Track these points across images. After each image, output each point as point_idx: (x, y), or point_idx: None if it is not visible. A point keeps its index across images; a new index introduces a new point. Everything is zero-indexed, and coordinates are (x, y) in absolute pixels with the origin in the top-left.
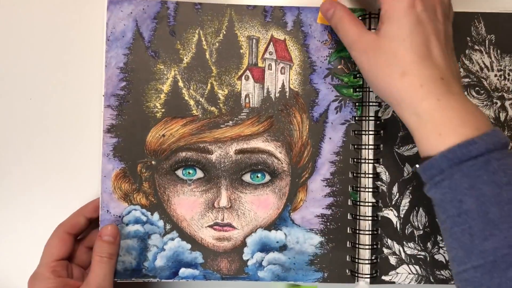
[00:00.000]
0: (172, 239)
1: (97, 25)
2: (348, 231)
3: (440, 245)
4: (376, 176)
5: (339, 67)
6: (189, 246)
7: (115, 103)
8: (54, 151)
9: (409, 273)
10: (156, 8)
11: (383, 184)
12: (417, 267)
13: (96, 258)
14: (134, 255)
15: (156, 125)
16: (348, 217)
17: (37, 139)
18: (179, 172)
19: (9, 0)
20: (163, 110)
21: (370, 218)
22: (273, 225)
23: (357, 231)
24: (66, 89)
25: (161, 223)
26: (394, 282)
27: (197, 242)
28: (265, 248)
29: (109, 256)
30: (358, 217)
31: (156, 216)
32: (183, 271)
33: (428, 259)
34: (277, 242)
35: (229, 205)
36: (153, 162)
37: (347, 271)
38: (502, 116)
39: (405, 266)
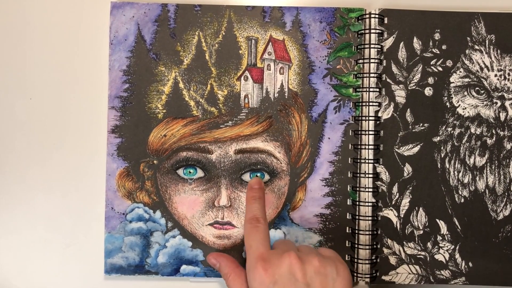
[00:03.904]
0: (174, 236)
1: (101, 29)
2: (347, 231)
3: (440, 245)
4: (376, 176)
5: (338, 67)
6: (190, 243)
7: (119, 104)
8: (59, 151)
9: (409, 273)
10: (157, 11)
11: (383, 184)
12: (417, 267)
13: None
14: (137, 251)
15: (157, 126)
16: (347, 217)
17: (42, 139)
18: (180, 172)
19: (14, 3)
20: (164, 111)
21: (370, 218)
22: (272, 224)
23: (356, 231)
24: (73, 91)
25: (163, 221)
26: (394, 282)
27: (198, 240)
28: None
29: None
30: (357, 217)
31: (158, 214)
32: (184, 268)
33: (428, 259)
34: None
35: (229, 204)
36: (155, 162)
37: None
38: (502, 116)
39: (405, 266)
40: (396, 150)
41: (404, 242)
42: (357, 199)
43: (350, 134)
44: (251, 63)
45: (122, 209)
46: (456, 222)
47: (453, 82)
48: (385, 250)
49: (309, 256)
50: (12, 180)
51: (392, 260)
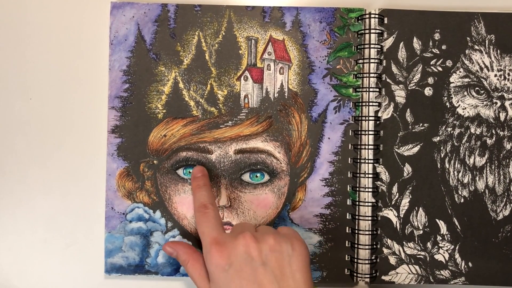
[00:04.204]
0: (174, 236)
1: (101, 29)
2: (347, 231)
3: (440, 245)
4: (376, 176)
5: (337, 67)
6: (190, 243)
7: (119, 104)
8: (59, 151)
9: (409, 273)
10: (157, 11)
11: (383, 184)
12: (417, 267)
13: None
14: (137, 251)
15: (157, 126)
16: (347, 217)
17: (42, 139)
18: (180, 172)
19: (14, 3)
20: (164, 111)
21: (369, 218)
22: (272, 224)
23: (356, 231)
24: (73, 91)
25: (163, 221)
26: (394, 282)
27: (198, 240)
28: None
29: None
30: (357, 217)
31: (158, 214)
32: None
33: (428, 259)
34: None
35: (229, 204)
36: (155, 162)
37: (346, 270)
38: (502, 116)
39: (405, 266)
40: (396, 150)
41: (404, 242)
42: (357, 199)
43: (350, 134)
44: (251, 63)
45: (122, 209)
46: (456, 222)
47: (453, 82)
48: (385, 250)
49: (264, 235)
50: (12, 181)
51: (392, 260)
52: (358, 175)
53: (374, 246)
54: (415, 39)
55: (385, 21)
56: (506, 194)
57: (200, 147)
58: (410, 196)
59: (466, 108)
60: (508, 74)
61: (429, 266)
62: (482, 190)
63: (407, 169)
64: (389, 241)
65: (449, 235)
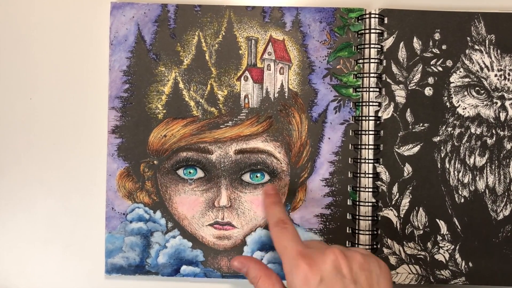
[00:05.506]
0: (174, 237)
1: (101, 29)
2: (347, 231)
3: (440, 245)
4: (376, 176)
5: (338, 67)
6: (190, 244)
7: (119, 105)
8: (59, 151)
9: (409, 273)
10: (157, 11)
11: (383, 184)
12: (417, 267)
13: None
14: (137, 251)
15: (157, 126)
16: (348, 217)
17: (42, 139)
18: (180, 172)
19: (14, 3)
20: (164, 111)
21: (370, 218)
22: None
23: (357, 231)
24: (73, 91)
25: (163, 221)
26: (394, 282)
27: (198, 240)
28: (264, 247)
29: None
30: (358, 217)
31: (158, 214)
32: (184, 268)
33: (428, 259)
34: None
35: (229, 204)
36: (155, 162)
37: None
38: (502, 116)
39: (405, 266)
40: (396, 150)
41: (404, 242)
42: (357, 199)
43: (350, 134)
44: (251, 63)
45: (123, 209)
46: (456, 222)
47: (453, 82)
48: (385, 250)
49: (351, 252)
50: (12, 180)
51: (392, 260)
52: (358, 175)
53: (375, 246)
54: (415, 39)
55: (385, 21)
56: (506, 194)
57: (200, 147)
58: (410, 196)
59: (466, 108)
60: (508, 74)
61: (429, 266)
62: (483, 190)
63: (407, 169)
64: (389, 241)
65: (449, 235)
